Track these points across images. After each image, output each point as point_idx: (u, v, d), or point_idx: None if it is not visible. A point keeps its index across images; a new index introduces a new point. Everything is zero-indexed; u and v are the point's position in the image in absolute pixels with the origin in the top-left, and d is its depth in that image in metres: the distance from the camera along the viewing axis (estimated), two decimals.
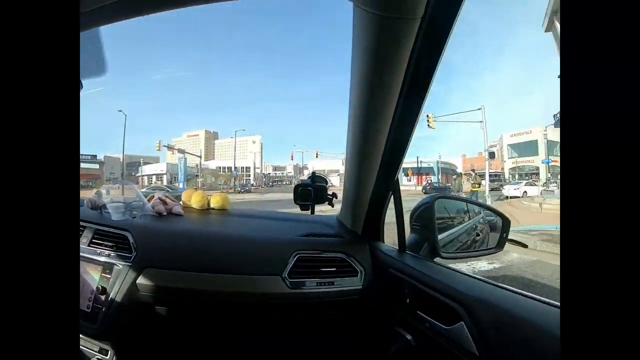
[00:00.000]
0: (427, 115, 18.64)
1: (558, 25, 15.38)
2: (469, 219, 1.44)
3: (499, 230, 1.22)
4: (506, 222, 1.19)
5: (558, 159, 41.05)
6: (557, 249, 5.71)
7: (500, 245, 1.18)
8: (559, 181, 24.20)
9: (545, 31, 17.27)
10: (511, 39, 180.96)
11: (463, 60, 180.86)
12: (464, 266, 4.60)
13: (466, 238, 1.36)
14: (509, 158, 49.99)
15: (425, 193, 29.90)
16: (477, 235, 1.37)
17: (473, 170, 16.79)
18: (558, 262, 4.95)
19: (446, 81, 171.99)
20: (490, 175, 22.40)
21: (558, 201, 11.54)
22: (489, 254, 1.21)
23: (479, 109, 17.67)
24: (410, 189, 37.23)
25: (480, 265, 4.70)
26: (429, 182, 36.66)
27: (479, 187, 13.15)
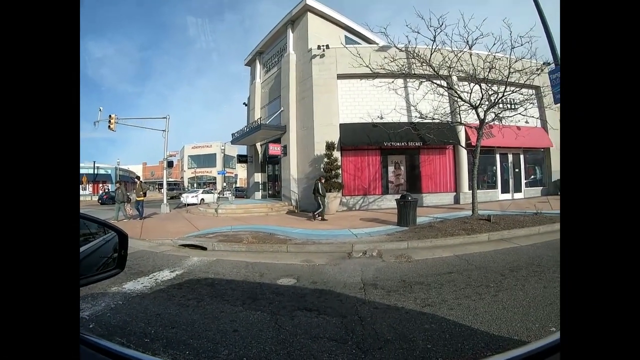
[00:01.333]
0: (110, 116, 16.63)
1: (258, 64, 18.69)
2: (104, 234, 1.23)
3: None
4: (123, 238, 1.08)
5: (233, 170, 49.92)
6: (230, 247, 6.59)
7: (120, 265, 1.06)
8: (233, 189, 29.18)
9: (245, 65, 20.25)
10: (219, 65, 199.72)
11: (164, 68, 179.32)
12: (145, 279, 4.32)
13: (93, 260, 1.13)
14: (188, 168, 54.24)
15: (101, 204, 25.64)
16: (107, 255, 1.18)
17: (138, 178, 16.49)
18: (234, 259, 5.68)
19: (139, 84, 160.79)
20: (170, 184, 22.66)
21: (233, 206, 13.58)
22: (111, 277, 1.06)
23: (165, 117, 17.18)
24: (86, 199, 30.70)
25: (164, 275, 4.50)
26: (106, 190, 32.37)
27: (144, 196, 12.71)
